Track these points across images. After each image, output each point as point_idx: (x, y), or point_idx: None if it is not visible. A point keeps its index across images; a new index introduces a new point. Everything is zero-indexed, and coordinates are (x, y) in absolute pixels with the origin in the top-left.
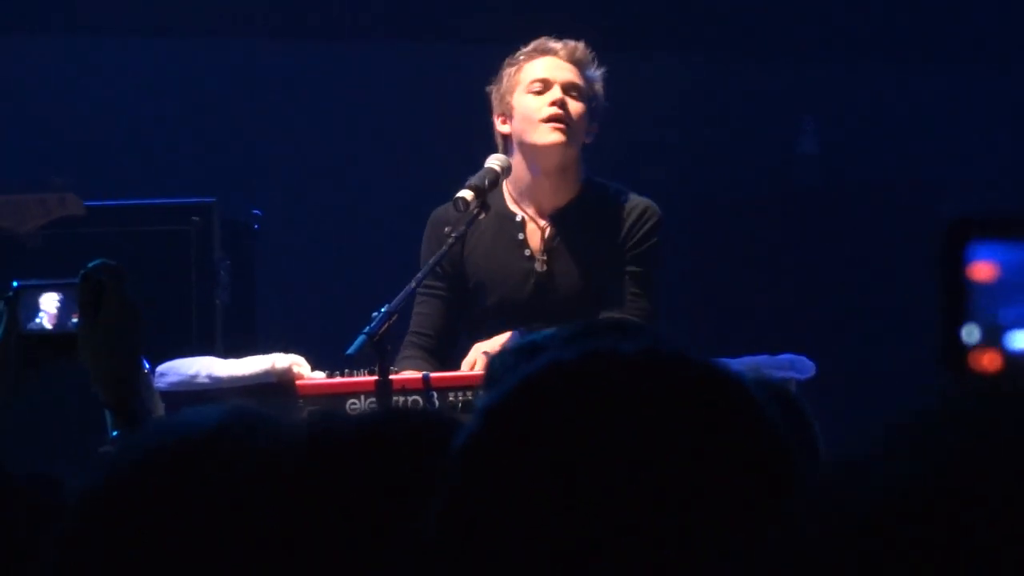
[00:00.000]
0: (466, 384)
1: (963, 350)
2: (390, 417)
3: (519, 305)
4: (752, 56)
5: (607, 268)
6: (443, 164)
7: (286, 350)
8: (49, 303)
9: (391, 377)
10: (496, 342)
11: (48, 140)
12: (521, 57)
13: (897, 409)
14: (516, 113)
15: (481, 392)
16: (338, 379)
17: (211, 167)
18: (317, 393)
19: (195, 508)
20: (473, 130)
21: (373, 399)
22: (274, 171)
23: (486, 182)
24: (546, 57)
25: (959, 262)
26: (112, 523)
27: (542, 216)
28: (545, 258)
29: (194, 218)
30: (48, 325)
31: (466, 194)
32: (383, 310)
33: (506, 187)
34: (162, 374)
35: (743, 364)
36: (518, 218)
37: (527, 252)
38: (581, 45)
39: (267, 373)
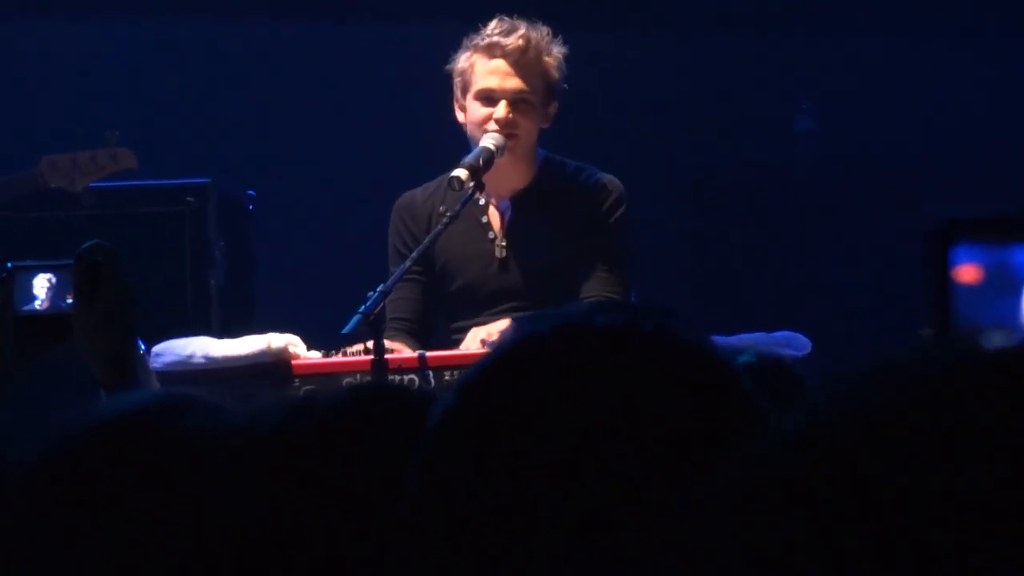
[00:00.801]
0: (462, 363)
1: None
2: (362, 395)
3: (483, 287)
4: (746, 36)
5: (572, 247)
6: (439, 145)
7: (282, 330)
8: (43, 284)
9: (387, 356)
10: (495, 328)
11: (42, 123)
12: (472, 56)
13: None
14: (468, 114)
15: None
16: (334, 359)
17: (206, 148)
18: (313, 373)
19: (123, 489)
20: None
21: (369, 378)
22: (270, 152)
23: (480, 161)
24: (494, 61)
25: (943, 264)
26: (41, 503)
27: (502, 199)
28: (504, 243)
29: (189, 199)
30: (42, 307)
31: (461, 173)
32: (378, 289)
33: None
34: (158, 354)
35: (740, 341)
36: (481, 202)
37: (491, 235)
38: (535, 36)
39: (263, 353)
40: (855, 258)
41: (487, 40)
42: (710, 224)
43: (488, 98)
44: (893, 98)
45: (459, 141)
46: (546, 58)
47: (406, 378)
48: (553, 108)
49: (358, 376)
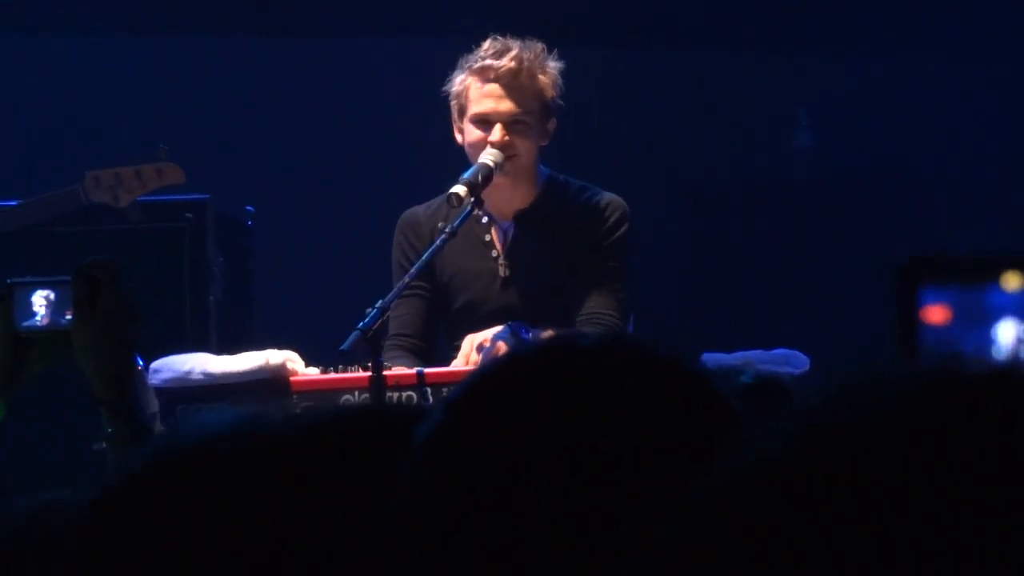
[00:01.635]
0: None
1: None
2: (353, 414)
3: (485, 305)
4: (745, 50)
5: (574, 267)
6: (438, 160)
7: (280, 346)
8: (42, 301)
9: (384, 373)
10: (489, 333)
11: (40, 139)
12: (467, 79)
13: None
14: (465, 136)
15: None
16: (332, 375)
17: (205, 164)
18: (311, 389)
19: (196, 517)
20: None
21: (367, 395)
22: (269, 168)
23: (479, 177)
24: (488, 85)
25: (912, 304)
26: (116, 537)
27: (505, 218)
28: (506, 262)
29: (188, 215)
30: (41, 323)
31: (459, 189)
32: (377, 306)
33: None
34: (156, 370)
35: (737, 360)
36: (484, 220)
37: (493, 253)
38: (528, 56)
39: (261, 369)
40: (854, 272)
41: (480, 63)
42: (707, 236)
43: (484, 122)
44: (893, 115)
45: (459, 157)
46: (540, 76)
47: (404, 395)
48: (551, 125)
49: (356, 393)
